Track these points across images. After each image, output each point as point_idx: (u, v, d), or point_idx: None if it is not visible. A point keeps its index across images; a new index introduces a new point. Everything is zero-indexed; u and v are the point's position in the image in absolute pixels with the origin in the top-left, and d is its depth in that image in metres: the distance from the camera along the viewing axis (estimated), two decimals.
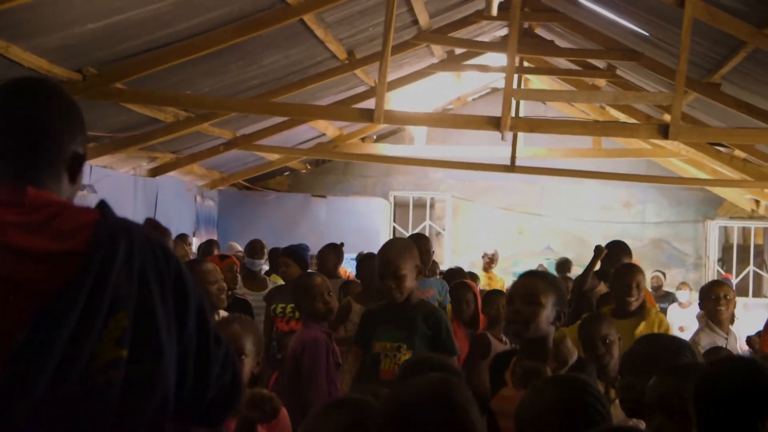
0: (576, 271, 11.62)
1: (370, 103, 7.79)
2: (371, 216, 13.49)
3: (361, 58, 8.94)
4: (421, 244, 5.59)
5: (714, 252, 14.42)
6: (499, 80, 11.99)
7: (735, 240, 14.44)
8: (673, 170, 13.33)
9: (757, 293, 14.16)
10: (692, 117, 9.82)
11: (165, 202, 10.68)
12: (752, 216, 13.94)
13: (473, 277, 9.00)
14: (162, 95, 7.66)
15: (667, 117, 8.34)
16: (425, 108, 12.13)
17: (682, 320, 10.55)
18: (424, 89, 11.75)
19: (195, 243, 10.77)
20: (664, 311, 10.13)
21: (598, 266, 6.54)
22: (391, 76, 8.71)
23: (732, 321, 5.73)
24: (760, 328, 6.93)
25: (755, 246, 14.31)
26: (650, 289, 11.56)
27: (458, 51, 10.70)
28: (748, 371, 2.20)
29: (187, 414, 1.76)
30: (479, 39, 10.92)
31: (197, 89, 8.18)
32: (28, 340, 1.48)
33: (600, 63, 10.34)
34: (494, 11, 9.01)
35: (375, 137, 14.19)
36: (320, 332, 4.59)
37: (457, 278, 7.09)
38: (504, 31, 10.72)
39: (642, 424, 2.73)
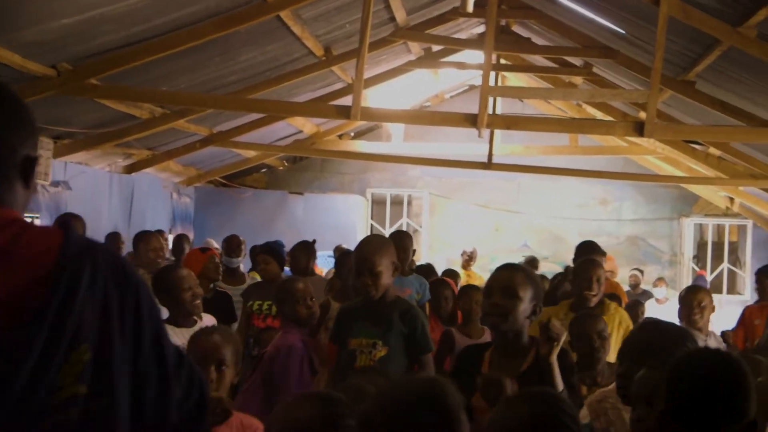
0: (548, 268, 11.69)
1: (347, 100, 7.78)
2: (348, 213, 13.48)
3: (338, 54, 8.93)
4: (398, 241, 5.59)
5: (689, 249, 14.54)
6: (476, 77, 12.02)
7: (710, 237, 14.56)
8: (649, 168, 13.41)
9: (731, 290, 14.29)
10: (668, 115, 9.87)
11: (141, 199, 10.63)
12: (726, 213, 14.06)
13: (454, 274, 9.03)
14: (137, 91, 7.60)
15: (642, 114, 8.38)
16: (402, 105, 12.15)
17: (660, 317, 10.58)
18: (401, 86, 11.76)
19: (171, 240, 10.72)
20: None
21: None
22: (368, 73, 8.71)
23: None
24: (735, 324, 7.02)
25: (729, 243, 14.44)
26: (628, 287, 11.67)
27: (435, 48, 10.71)
28: (720, 363, 2.23)
29: None
30: (456, 36, 10.93)
31: (173, 85, 8.13)
32: None
33: (576, 60, 10.38)
34: (470, 8, 9.02)
35: (352, 134, 14.18)
36: (298, 339, 4.55)
37: (429, 275, 7.10)
38: (481, 29, 10.73)
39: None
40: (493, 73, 9.25)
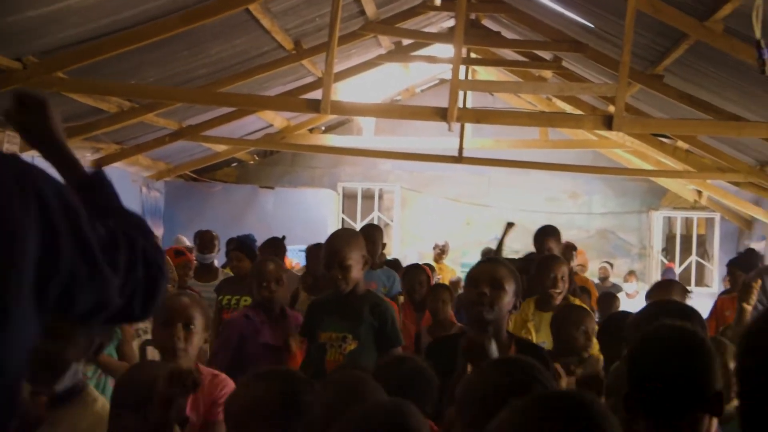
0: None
1: (317, 94, 7.76)
2: (319, 207, 13.46)
3: (308, 48, 8.89)
4: (368, 234, 5.60)
5: (658, 242, 14.66)
6: (447, 71, 12.02)
7: (678, 230, 14.70)
8: (619, 161, 13.49)
9: (700, 282, 14.42)
10: (636, 108, 9.94)
11: None
12: (695, 206, 14.18)
13: (430, 268, 9.06)
14: (105, 85, 7.54)
15: (611, 108, 8.42)
16: (373, 99, 12.12)
17: (630, 311, 10.66)
18: (372, 80, 11.74)
19: None
20: None
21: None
22: (338, 67, 8.69)
23: None
24: (707, 315, 7.09)
25: (698, 236, 14.58)
26: (597, 280, 11.75)
27: (406, 42, 10.71)
28: (676, 336, 2.23)
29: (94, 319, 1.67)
30: (426, 30, 10.94)
31: (142, 79, 8.07)
32: None
33: (546, 54, 10.42)
34: (438, 1, 9.03)
35: (323, 128, 14.15)
36: (241, 315, 4.77)
37: (397, 270, 7.19)
38: (451, 22, 10.74)
39: None
40: (463, 67, 9.25)
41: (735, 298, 6.92)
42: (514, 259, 6.33)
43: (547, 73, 11.27)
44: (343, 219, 14.55)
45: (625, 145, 11.09)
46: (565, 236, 11.75)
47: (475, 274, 3.43)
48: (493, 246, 10.87)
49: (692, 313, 3.04)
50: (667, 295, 5.05)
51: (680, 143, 10.32)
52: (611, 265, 12.86)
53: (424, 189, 14.78)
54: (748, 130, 7.44)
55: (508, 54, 11.38)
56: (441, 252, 11.97)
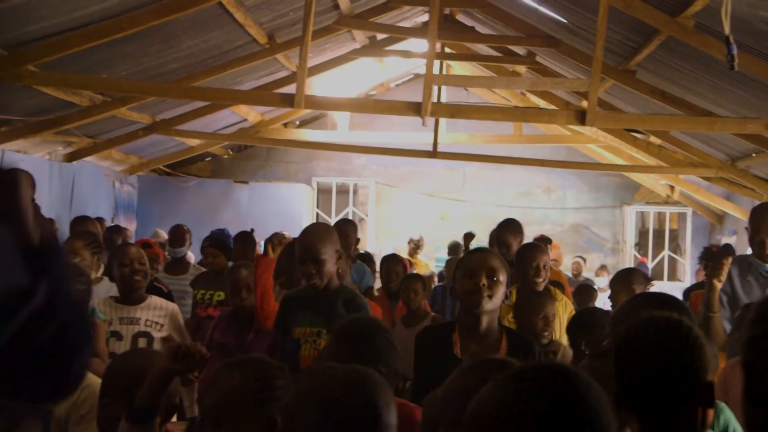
0: None
1: (291, 89, 7.73)
2: (294, 202, 13.43)
3: (282, 42, 8.86)
4: (341, 229, 5.59)
5: (631, 237, 14.77)
6: (421, 66, 12.05)
7: (651, 225, 14.81)
8: (592, 156, 13.57)
9: (672, 277, 14.55)
10: (609, 104, 10.00)
11: (82, 189, 10.45)
12: (667, 201, 14.30)
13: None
14: (76, 78, 7.46)
15: (584, 103, 8.48)
16: (348, 93, 12.11)
17: (602, 305, 10.73)
18: (346, 75, 11.72)
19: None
20: None
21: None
22: (312, 62, 8.67)
23: None
24: None
25: (670, 231, 14.71)
26: (570, 275, 11.82)
27: (380, 36, 10.70)
28: (662, 326, 2.13)
29: None
30: (401, 25, 10.93)
31: (114, 72, 8.00)
32: None
33: (520, 50, 10.45)
34: None
35: (298, 123, 14.12)
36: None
37: (369, 264, 7.23)
38: (425, 17, 10.74)
39: None
40: (437, 62, 9.27)
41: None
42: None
43: (521, 69, 11.30)
44: (317, 214, 14.53)
45: (598, 141, 11.16)
46: (540, 231, 11.85)
47: (470, 265, 3.40)
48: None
49: (676, 303, 2.96)
50: (629, 284, 5.06)
51: (653, 138, 10.40)
52: (584, 260, 12.94)
53: (399, 184, 14.79)
54: (719, 125, 7.51)
55: (483, 49, 11.40)
56: (416, 247, 12.00)
